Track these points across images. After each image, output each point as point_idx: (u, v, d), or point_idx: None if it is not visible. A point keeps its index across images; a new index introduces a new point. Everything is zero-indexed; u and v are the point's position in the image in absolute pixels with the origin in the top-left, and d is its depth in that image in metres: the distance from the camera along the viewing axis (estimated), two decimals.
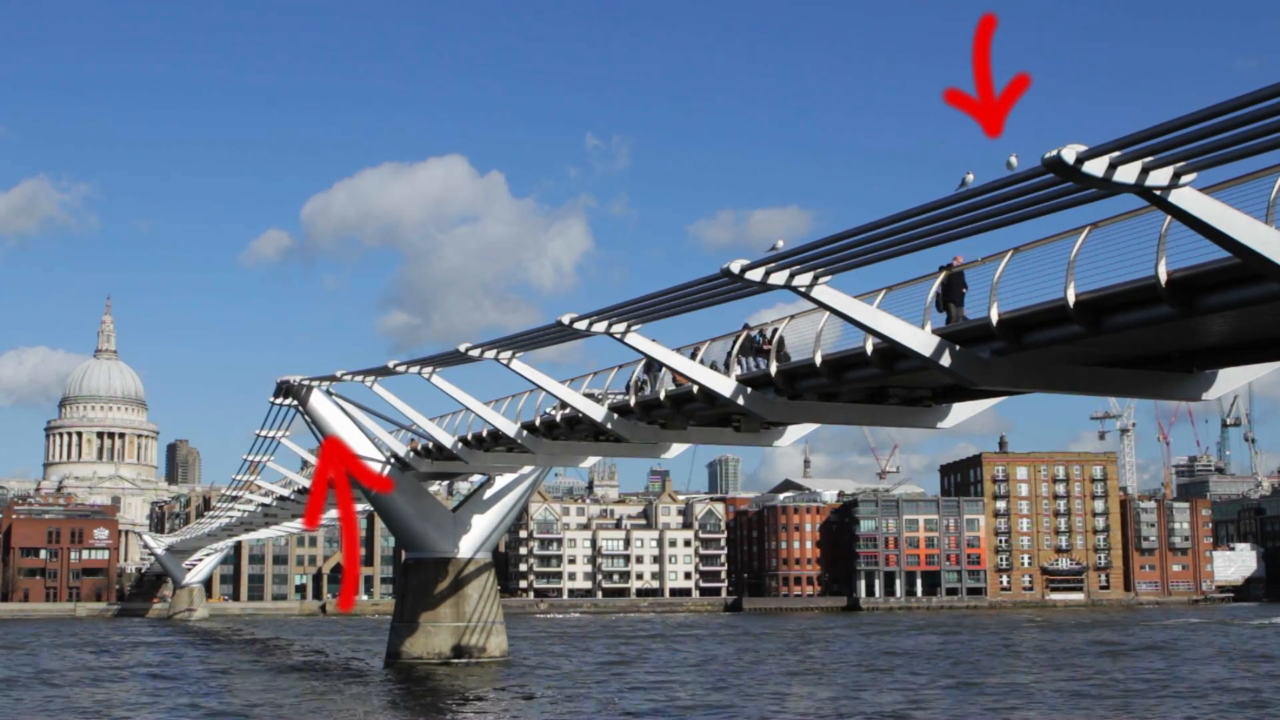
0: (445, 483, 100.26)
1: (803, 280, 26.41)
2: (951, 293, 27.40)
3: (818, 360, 32.11)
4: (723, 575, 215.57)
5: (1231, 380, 30.08)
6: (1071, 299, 23.79)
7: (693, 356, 36.49)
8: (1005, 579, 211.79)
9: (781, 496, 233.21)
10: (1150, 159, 17.96)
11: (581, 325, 34.93)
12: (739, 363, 35.38)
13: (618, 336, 34.67)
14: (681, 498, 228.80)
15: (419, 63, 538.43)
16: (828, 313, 29.56)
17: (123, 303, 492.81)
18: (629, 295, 33.39)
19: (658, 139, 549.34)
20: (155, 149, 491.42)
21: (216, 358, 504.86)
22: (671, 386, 39.45)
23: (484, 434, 55.45)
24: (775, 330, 34.16)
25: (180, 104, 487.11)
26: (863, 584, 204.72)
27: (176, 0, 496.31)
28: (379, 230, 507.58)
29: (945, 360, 27.28)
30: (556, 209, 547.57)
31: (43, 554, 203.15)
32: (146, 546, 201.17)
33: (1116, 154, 17.94)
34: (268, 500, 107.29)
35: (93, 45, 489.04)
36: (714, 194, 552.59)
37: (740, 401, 35.48)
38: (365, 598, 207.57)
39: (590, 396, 44.06)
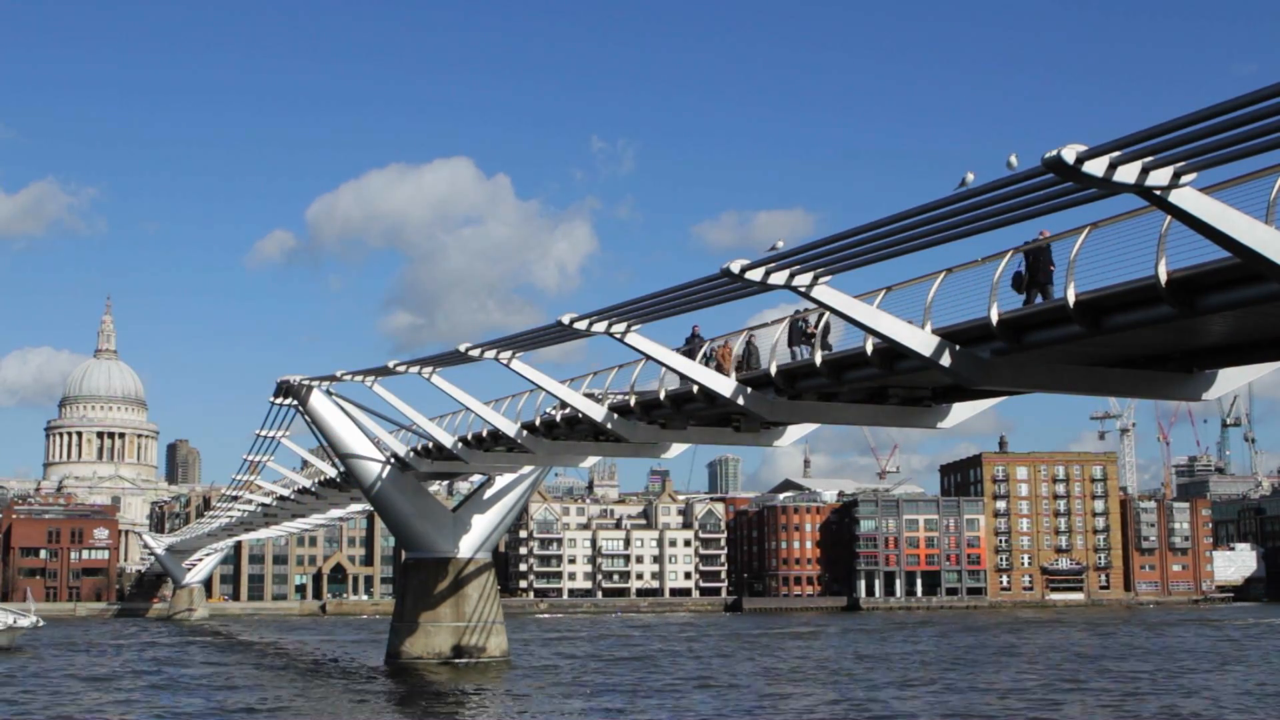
0: (445, 483, 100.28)
1: (803, 280, 26.37)
2: (1038, 272, 25.45)
3: (818, 360, 32.08)
4: (723, 575, 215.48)
5: (1231, 380, 30.05)
6: (1071, 299, 23.77)
7: (747, 345, 35.78)
8: (1005, 579, 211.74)
9: (781, 496, 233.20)
10: (1150, 159, 17.94)
11: (581, 325, 34.88)
12: (790, 352, 34.52)
13: (618, 336, 34.61)
14: (681, 498, 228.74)
15: (426, 65, 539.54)
16: (828, 312, 29.51)
17: (127, 303, 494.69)
18: (633, 297, 33.30)
19: (662, 141, 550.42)
20: (161, 150, 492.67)
21: (217, 358, 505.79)
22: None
23: (484, 434, 55.41)
24: (821, 317, 32.59)
25: (187, 105, 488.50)
26: (863, 584, 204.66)
27: (183, 2, 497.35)
28: (383, 231, 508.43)
29: (945, 360, 27.26)
30: (562, 211, 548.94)
31: (43, 554, 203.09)
32: (146, 546, 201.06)
33: (1116, 154, 17.92)
34: (268, 500, 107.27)
35: (101, 47, 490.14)
36: (718, 196, 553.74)
37: (740, 401, 35.41)
38: (365, 598, 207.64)
39: (590, 396, 44.03)
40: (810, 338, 33.06)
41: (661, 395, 40.54)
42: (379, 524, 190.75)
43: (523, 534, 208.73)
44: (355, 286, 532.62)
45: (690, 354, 36.57)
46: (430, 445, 60.99)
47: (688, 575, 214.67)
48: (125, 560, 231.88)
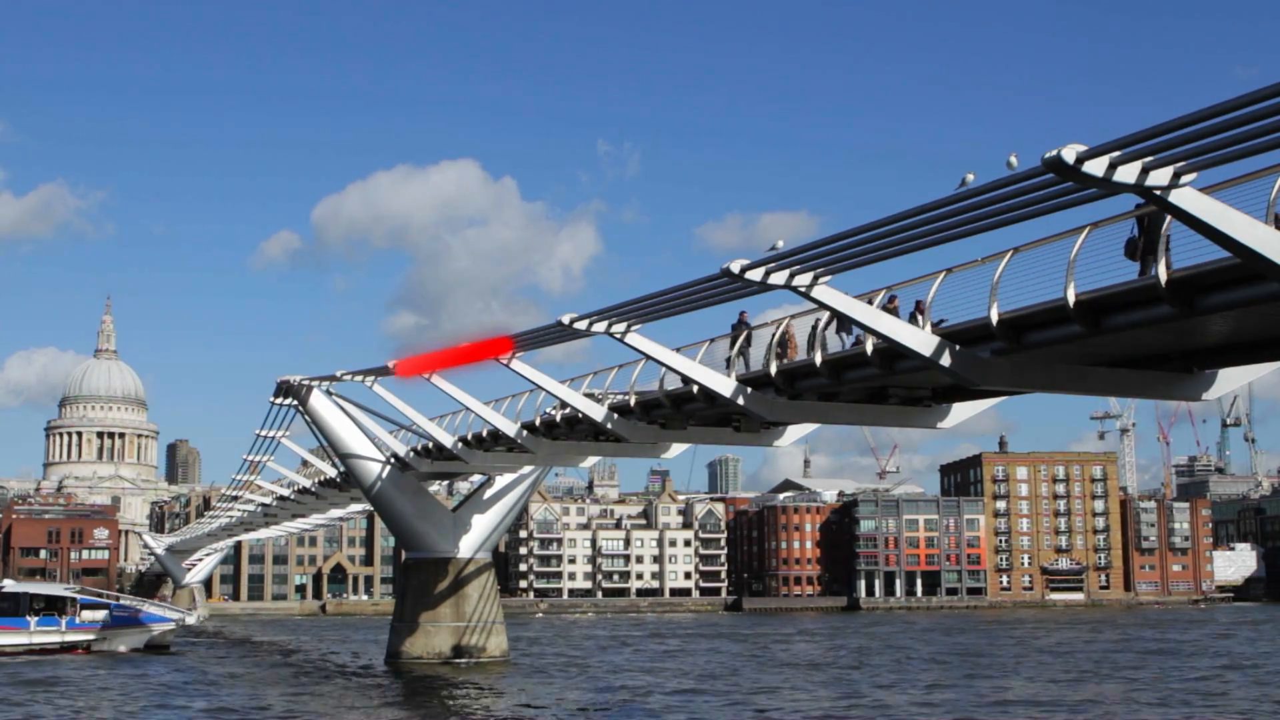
0: (445, 483, 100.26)
1: (803, 280, 26.36)
2: (1153, 238, 22.47)
3: (818, 360, 32.05)
4: (723, 575, 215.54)
5: (1231, 380, 30.02)
6: (1071, 299, 23.73)
7: (813, 327, 34.13)
8: (1005, 579, 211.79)
9: (781, 496, 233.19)
10: (1150, 159, 17.93)
11: (581, 325, 34.84)
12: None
13: (618, 336, 34.57)
14: (681, 498, 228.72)
15: (433, 67, 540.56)
16: (828, 312, 29.46)
17: (131, 304, 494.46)
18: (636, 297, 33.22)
19: (667, 144, 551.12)
20: (167, 152, 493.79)
21: (219, 358, 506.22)
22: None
23: (484, 434, 55.40)
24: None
25: (194, 106, 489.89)
26: (863, 584, 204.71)
27: (191, 3, 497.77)
28: (388, 232, 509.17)
29: (945, 360, 27.24)
30: (567, 213, 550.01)
31: (43, 554, 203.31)
32: (146, 546, 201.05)
33: (1116, 154, 17.91)
34: (268, 500, 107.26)
35: (108, 50, 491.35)
36: (722, 198, 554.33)
37: (740, 401, 35.38)
38: (365, 598, 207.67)
39: (590, 396, 44.01)
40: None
41: (661, 395, 40.54)
42: (379, 524, 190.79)
43: (523, 534, 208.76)
44: (360, 287, 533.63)
45: (736, 340, 36.17)
46: (430, 445, 60.98)
47: (688, 575, 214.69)
48: (125, 560, 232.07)
